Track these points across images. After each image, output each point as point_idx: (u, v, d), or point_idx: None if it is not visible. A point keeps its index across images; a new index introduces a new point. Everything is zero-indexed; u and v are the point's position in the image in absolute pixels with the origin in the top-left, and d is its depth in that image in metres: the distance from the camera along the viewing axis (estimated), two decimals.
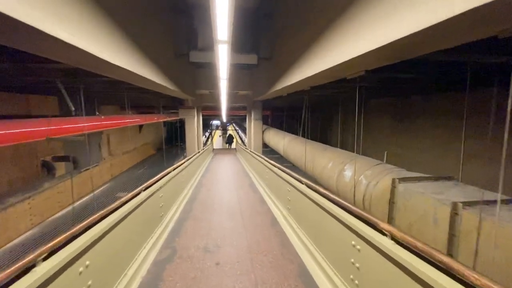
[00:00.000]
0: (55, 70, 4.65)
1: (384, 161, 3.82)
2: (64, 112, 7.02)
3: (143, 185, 3.29)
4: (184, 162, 6.15)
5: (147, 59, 4.56)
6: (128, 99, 9.04)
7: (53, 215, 8.43)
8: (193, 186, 6.93)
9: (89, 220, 2.25)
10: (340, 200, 2.45)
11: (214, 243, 3.48)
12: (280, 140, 10.94)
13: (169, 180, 4.49)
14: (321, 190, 2.92)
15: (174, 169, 5.10)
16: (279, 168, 4.94)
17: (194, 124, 11.56)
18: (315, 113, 14.19)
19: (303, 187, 3.43)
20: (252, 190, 6.55)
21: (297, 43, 4.45)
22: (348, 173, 4.15)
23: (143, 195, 3.19)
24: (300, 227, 3.67)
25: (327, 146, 6.45)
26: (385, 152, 4.01)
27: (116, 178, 13.60)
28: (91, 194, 11.18)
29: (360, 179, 3.75)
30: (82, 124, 5.95)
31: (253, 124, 12.98)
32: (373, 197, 3.40)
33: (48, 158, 8.53)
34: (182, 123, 14.64)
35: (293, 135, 9.76)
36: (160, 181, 3.98)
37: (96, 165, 11.86)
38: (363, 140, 11.11)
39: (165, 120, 15.17)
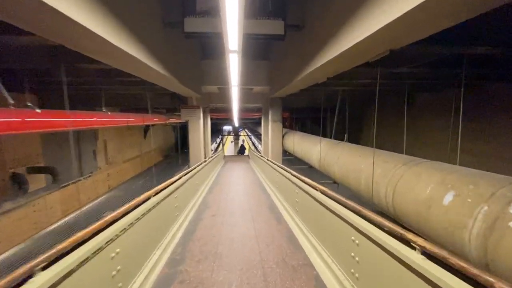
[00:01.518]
0: None
1: None
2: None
3: (53, 249, 1.44)
4: (178, 179, 4.33)
5: (115, 19, 2.85)
6: (103, 93, 7.53)
7: (25, 239, 6.83)
8: (194, 208, 5.11)
9: None
10: None
11: None
12: (312, 146, 8.36)
13: (143, 215, 2.67)
14: (472, 270, 1.01)
15: (158, 191, 3.27)
16: (334, 199, 2.93)
17: (199, 128, 9.57)
18: (342, 113, 12.06)
19: (413, 257, 1.50)
20: (274, 217, 4.63)
21: None
22: None
23: (55, 270, 1.36)
24: None
25: (414, 158, 3.78)
26: None
27: (114, 190, 12.05)
28: (80, 210, 9.64)
29: None
30: None
31: (270, 127, 10.95)
32: None
33: (21, 170, 6.98)
34: None
35: (334, 140, 7.25)
36: (116, 224, 2.15)
37: (89, 176, 10.31)
38: (413, 145, 8.80)
39: (156, 123, 12.15)
